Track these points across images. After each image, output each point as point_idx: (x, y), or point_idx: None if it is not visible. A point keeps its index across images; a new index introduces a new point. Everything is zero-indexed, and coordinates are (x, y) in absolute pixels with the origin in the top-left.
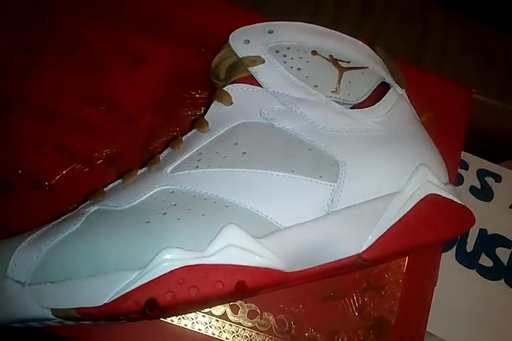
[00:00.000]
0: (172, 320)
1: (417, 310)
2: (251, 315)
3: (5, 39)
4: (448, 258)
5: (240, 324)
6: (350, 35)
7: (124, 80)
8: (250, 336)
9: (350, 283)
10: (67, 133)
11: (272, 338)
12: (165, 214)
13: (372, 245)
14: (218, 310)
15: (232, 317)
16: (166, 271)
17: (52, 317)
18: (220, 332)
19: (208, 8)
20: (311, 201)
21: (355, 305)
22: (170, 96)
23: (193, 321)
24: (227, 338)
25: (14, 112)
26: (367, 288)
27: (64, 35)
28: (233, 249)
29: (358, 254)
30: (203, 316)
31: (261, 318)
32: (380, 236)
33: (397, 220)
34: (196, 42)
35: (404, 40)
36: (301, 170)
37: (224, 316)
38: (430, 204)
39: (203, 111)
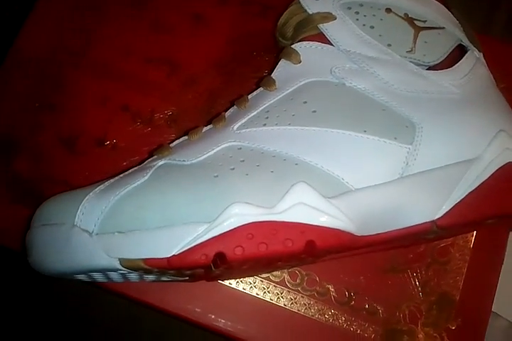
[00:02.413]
0: (230, 283)
1: (483, 287)
2: (310, 283)
3: None
4: None
5: (298, 291)
6: None
7: (186, 41)
8: (308, 304)
9: (414, 256)
10: (130, 93)
11: (330, 307)
12: (233, 169)
13: (448, 212)
14: (277, 276)
15: (290, 284)
16: (235, 226)
17: (120, 267)
18: (278, 298)
19: None
20: (385, 163)
21: (418, 279)
22: (232, 58)
23: (251, 285)
24: (284, 304)
25: (78, 70)
26: (431, 262)
27: None
28: (303, 207)
29: (432, 221)
30: (261, 281)
31: (320, 287)
32: (457, 204)
33: (474, 188)
34: (260, 2)
35: (471, 13)
36: (374, 130)
37: (282, 282)
38: (509, 173)
39: (265, 73)
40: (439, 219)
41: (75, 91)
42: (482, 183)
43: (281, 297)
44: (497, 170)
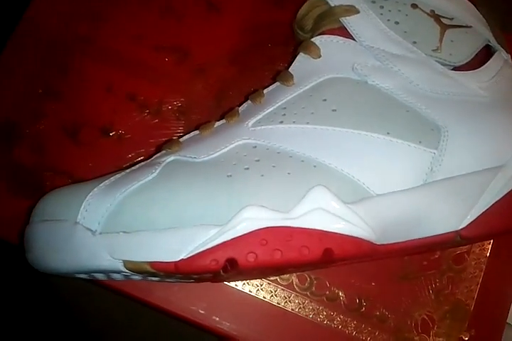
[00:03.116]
0: (236, 285)
1: (498, 297)
2: (319, 287)
3: None
4: None
5: (306, 296)
6: None
7: (198, 28)
8: (317, 309)
9: (428, 263)
10: (138, 81)
11: (339, 313)
12: (247, 169)
13: (472, 222)
14: (285, 279)
15: (298, 288)
16: (249, 231)
17: (124, 269)
18: (286, 302)
19: None
20: (409, 168)
21: (431, 287)
22: (244, 49)
23: (257, 288)
24: (292, 309)
25: (85, 56)
26: (446, 269)
27: None
28: (321, 212)
29: (456, 231)
30: (269, 284)
31: (329, 292)
32: (482, 213)
33: (501, 196)
34: None
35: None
36: (398, 132)
37: (290, 286)
38: None
39: (279, 66)
40: (463, 229)
41: (81, 78)
42: (508, 192)
43: (289, 301)
44: None
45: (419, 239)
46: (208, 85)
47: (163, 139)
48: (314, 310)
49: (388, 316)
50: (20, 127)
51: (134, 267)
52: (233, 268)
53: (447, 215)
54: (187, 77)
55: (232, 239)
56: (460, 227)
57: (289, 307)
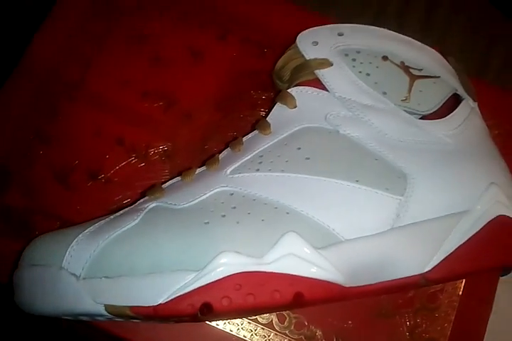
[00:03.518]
0: (217, 324)
1: (471, 335)
2: (298, 326)
3: (71, 27)
4: (505, 283)
5: (285, 334)
6: None
7: (184, 76)
8: None
9: (403, 301)
10: (126, 126)
11: None
12: (224, 216)
13: (437, 265)
14: (265, 318)
15: (278, 327)
16: (223, 275)
17: (105, 313)
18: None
19: (272, 8)
20: (376, 214)
21: (406, 325)
22: (229, 96)
23: (238, 327)
24: None
25: (74, 101)
26: (420, 308)
27: (128, 27)
28: (293, 258)
29: (421, 274)
30: (249, 323)
31: (308, 330)
32: (446, 257)
33: (464, 241)
34: (258, 42)
35: (469, 50)
36: (366, 180)
37: (270, 325)
38: (499, 226)
39: (261, 112)
40: (427, 272)
41: (70, 123)
42: (472, 236)
43: (269, 340)
44: (487, 223)
45: (387, 281)
46: (193, 130)
47: (150, 182)
48: None
49: None
50: (12, 171)
51: (115, 311)
52: (209, 312)
53: (413, 259)
54: (173, 123)
55: (207, 284)
56: (425, 270)
57: None
